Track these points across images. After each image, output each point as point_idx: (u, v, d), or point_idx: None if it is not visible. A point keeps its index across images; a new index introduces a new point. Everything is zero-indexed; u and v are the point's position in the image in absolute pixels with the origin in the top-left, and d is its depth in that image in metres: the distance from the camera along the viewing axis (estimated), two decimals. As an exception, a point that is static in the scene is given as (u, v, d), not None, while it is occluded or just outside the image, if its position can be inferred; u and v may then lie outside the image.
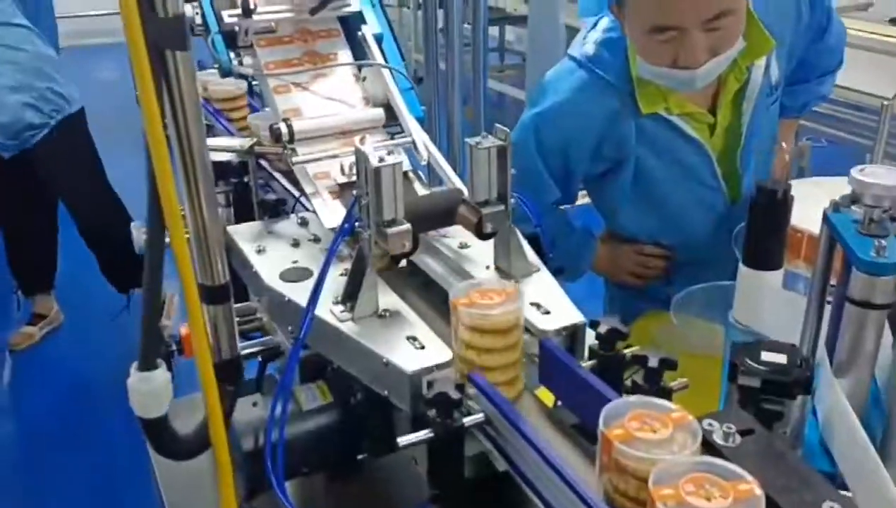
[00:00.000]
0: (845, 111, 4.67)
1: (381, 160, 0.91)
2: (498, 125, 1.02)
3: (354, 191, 0.95)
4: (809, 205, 1.08)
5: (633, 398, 0.74)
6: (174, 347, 1.18)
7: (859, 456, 0.74)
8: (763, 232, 0.98)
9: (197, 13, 1.35)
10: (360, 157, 0.93)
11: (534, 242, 1.31)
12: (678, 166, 1.48)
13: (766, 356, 0.82)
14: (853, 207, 0.83)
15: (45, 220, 3.45)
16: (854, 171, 0.84)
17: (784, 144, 1.64)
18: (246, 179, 1.40)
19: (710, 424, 0.69)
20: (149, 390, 0.77)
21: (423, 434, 0.81)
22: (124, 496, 2.66)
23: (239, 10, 1.25)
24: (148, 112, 0.51)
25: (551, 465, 0.76)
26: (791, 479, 0.64)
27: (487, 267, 1.10)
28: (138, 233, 1.33)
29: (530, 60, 5.16)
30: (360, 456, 1.03)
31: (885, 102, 1.37)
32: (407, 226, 0.94)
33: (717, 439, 0.68)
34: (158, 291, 0.69)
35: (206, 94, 1.73)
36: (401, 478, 1.08)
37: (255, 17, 1.25)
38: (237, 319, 1.25)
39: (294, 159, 1.16)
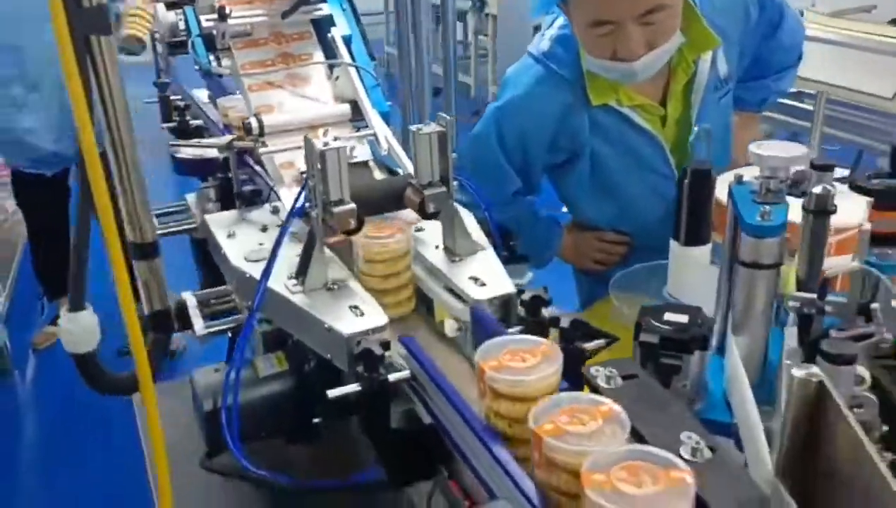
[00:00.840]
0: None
1: (326, 145, 1.00)
2: (440, 113, 1.10)
3: (304, 175, 1.04)
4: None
5: (563, 395, 0.71)
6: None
7: (744, 411, 0.80)
8: (689, 209, 1.04)
9: (181, 19, 1.46)
10: (308, 144, 1.02)
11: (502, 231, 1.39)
12: (632, 156, 1.55)
13: (669, 316, 0.89)
14: (753, 178, 0.90)
15: (68, 231, 3.62)
16: (752, 146, 0.90)
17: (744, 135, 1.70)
18: (230, 175, 1.50)
19: (596, 370, 0.76)
20: (78, 328, 0.86)
21: (352, 387, 0.89)
22: (139, 482, 2.77)
23: (216, 15, 1.35)
24: (73, 89, 0.60)
25: (466, 420, 0.83)
26: (658, 414, 0.70)
27: (437, 247, 1.18)
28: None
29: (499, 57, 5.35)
30: (315, 420, 1.11)
31: (821, 89, 1.39)
32: (352, 205, 1.02)
33: (601, 382, 0.75)
34: (87, 245, 0.79)
35: (227, 120, 1.79)
36: (355, 442, 1.16)
37: (230, 21, 1.35)
38: (213, 300, 1.36)
39: (261, 150, 1.25)
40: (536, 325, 0.98)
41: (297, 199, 1.06)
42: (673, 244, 1.11)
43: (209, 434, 1.05)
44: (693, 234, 1.05)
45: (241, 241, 1.22)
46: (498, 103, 1.56)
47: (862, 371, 0.70)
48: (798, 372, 0.61)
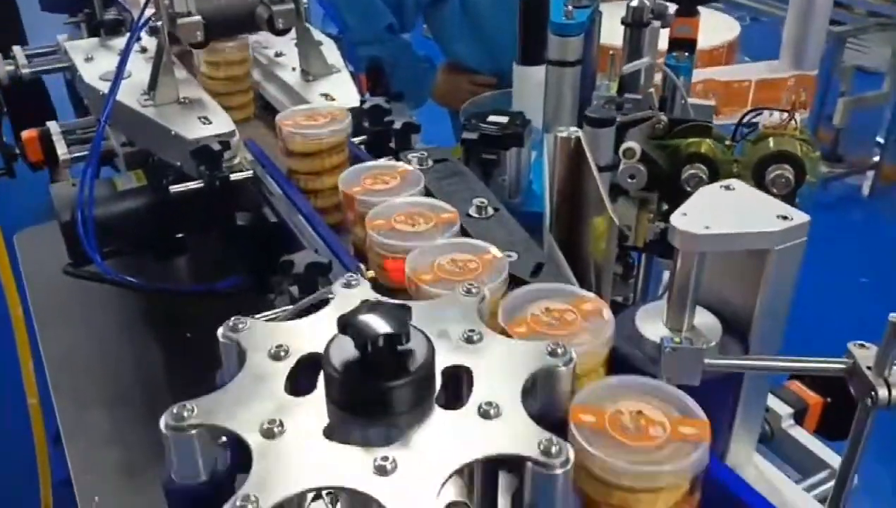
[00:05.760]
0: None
1: (164, -47, 1.00)
2: (283, -73, 1.11)
3: (146, -11, 1.05)
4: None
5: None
6: (17, 151, 1.30)
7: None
8: (524, 29, 1.10)
9: None
10: (145, -46, 1.02)
11: (375, 68, 1.43)
12: None
13: (493, 118, 0.96)
14: (569, -10, 0.96)
15: None
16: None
17: None
18: (99, 8, 1.47)
19: (411, 155, 0.84)
20: None
21: (194, 184, 0.94)
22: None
23: None
24: None
25: (304, 215, 0.91)
26: (460, 186, 0.79)
27: (293, 69, 1.21)
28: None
29: None
30: (179, 235, 1.17)
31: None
32: (197, 18, 1.04)
33: (415, 165, 0.83)
34: None
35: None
36: (221, 255, 1.22)
37: None
38: (79, 130, 1.38)
39: (113, -27, 1.24)
40: (378, 133, 1.05)
41: (141, 12, 1.06)
42: (515, 67, 1.18)
43: (69, 243, 1.09)
44: (530, 54, 1.11)
45: (98, 65, 1.22)
46: None
47: (633, 145, 0.79)
48: (560, 133, 0.69)
